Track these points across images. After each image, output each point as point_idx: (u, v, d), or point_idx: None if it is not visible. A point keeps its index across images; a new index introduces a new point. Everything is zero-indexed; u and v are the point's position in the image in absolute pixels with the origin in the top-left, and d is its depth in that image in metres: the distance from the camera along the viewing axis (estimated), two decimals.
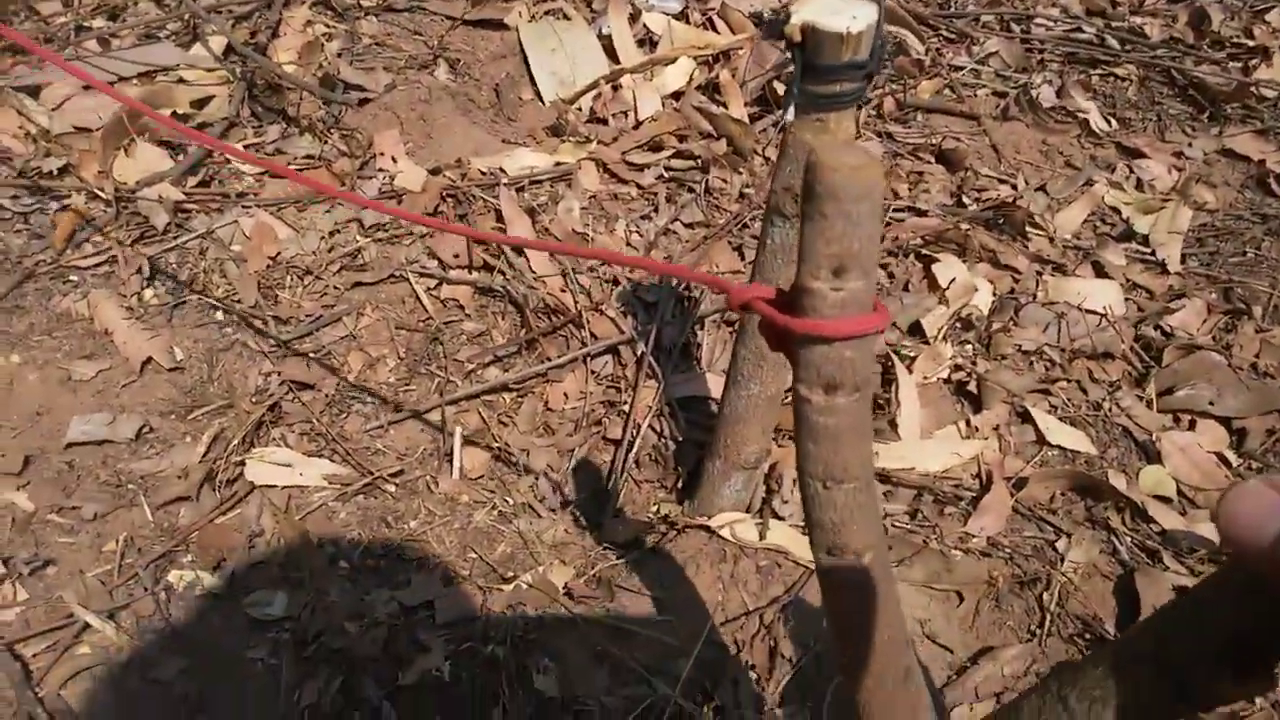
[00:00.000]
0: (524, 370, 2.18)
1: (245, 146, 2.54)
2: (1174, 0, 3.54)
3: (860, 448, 0.84)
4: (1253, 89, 3.09)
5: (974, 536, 1.94)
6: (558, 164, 2.62)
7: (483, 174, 2.54)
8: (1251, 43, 3.31)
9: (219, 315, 2.21)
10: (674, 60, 2.95)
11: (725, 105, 2.87)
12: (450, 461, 2.03)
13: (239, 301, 2.22)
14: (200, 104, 2.63)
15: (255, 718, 1.64)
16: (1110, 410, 2.19)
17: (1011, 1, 3.50)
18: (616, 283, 2.33)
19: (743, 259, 2.44)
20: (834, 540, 0.88)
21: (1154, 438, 2.12)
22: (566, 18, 3.03)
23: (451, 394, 2.11)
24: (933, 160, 2.86)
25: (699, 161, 2.69)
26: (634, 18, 3.05)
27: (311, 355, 2.16)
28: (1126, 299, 2.43)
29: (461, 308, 2.28)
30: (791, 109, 1.28)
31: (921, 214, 2.63)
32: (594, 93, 2.87)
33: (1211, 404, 2.16)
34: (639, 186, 2.62)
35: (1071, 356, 2.28)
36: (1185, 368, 2.23)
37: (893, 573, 0.95)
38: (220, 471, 1.94)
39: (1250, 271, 2.52)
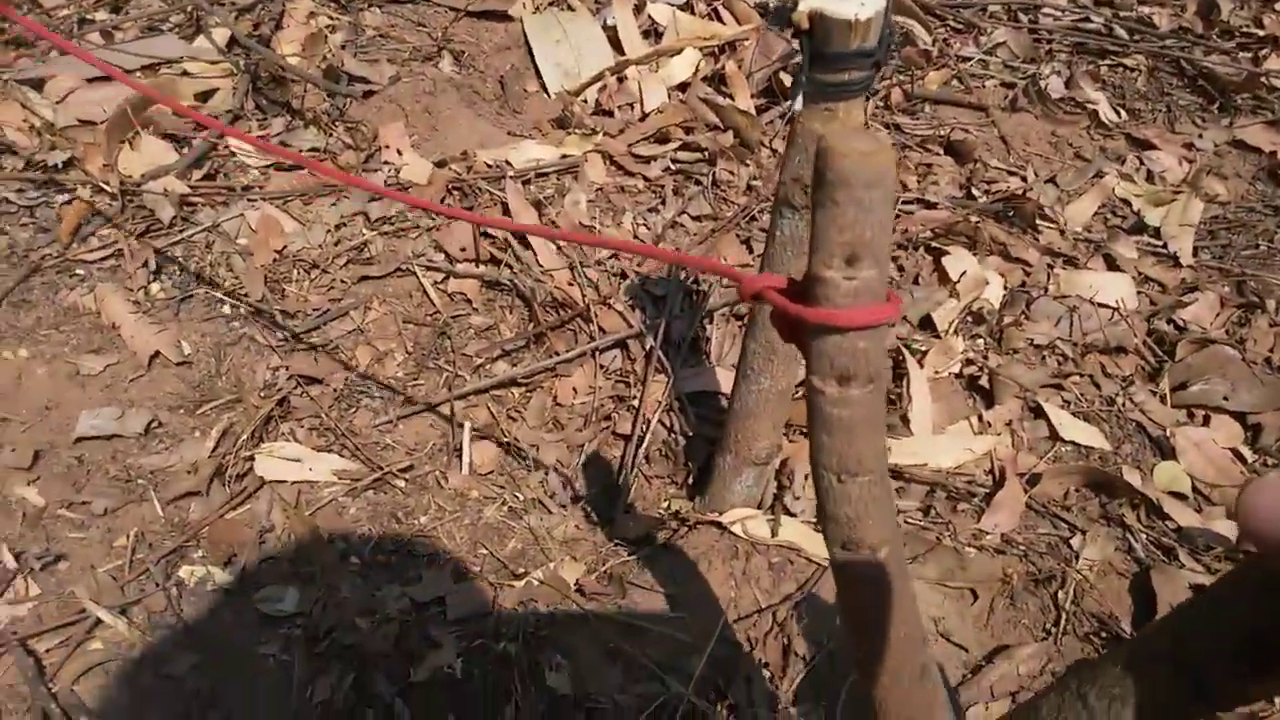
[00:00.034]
0: (532, 365, 2.17)
1: None
2: None
3: (874, 440, 0.83)
4: (1263, 79, 3.07)
5: (988, 533, 1.94)
6: (564, 156, 2.60)
7: (488, 166, 2.53)
8: (1261, 32, 3.29)
9: (226, 309, 2.19)
10: (680, 51, 2.94)
11: (731, 97, 2.85)
12: (460, 457, 2.02)
13: (246, 295, 2.20)
14: (204, 97, 2.62)
15: (267, 714, 1.64)
16: (1124, 405, 2.18)
17: None
18: (625, 276, 2.32)
19: (751, 252, 2.43)
20: (849, 535, 0.87)
21: (1168, 433, 2.12)
22: (571, 9, 3.01)
23: (460, 389, 2.10)
24: (941, 152, 2.84)
25: (706, 154, 2.67)
26: (639, 8, 3.03)
27: (319, 349, 2.14)
28: (1139, 292, 2.42)
29: (469, 301, 2.27)
30: (800, 98, 1.26)
31: (931, 206, 2.61)
32: (599, 84, 2.85)
33: (1226, 399, 2.15)
34: (645, 179, 2.61)
35: (1084, 351, 2.27)
36: (1199, 362, 2.22)
37: (908, 568, 0.94)
38: (230, 466, 1.93)
39: (1263, 264, 2.51)
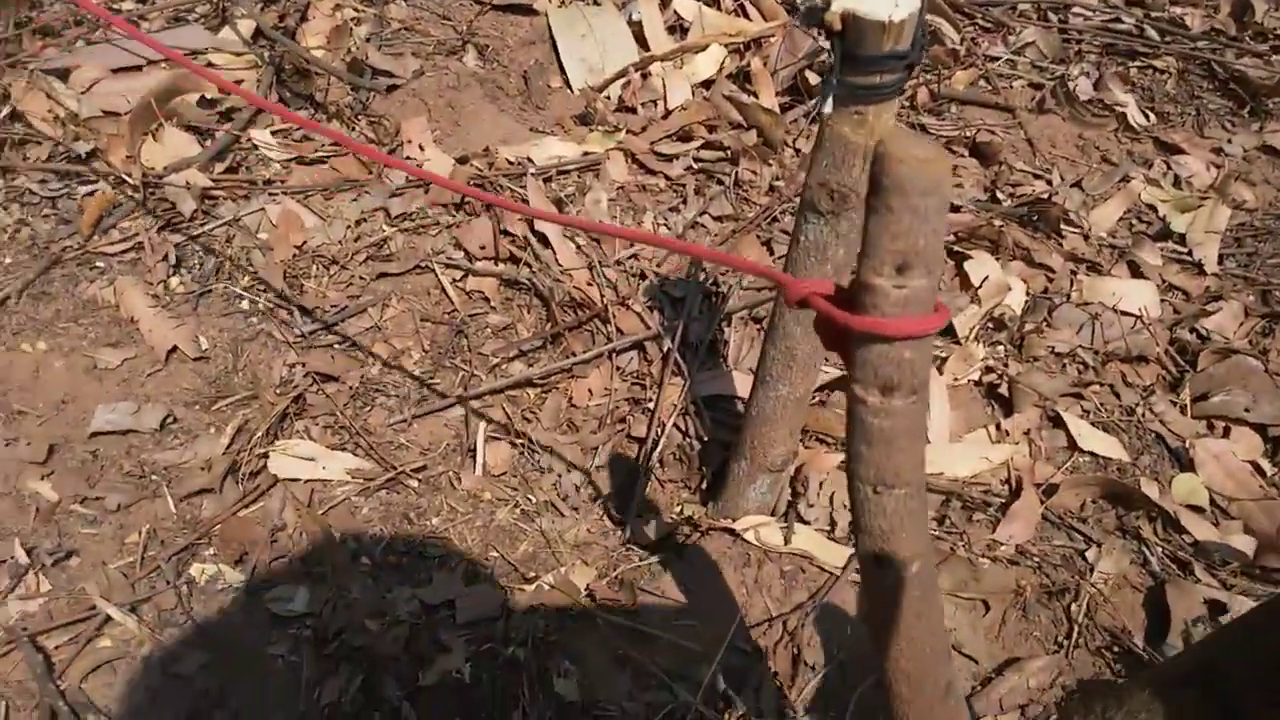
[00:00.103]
0: (549, 365, 2.16)
1: (273, 133, 2.52)
2: None
3: (914, 452, 0.83)
4: None
5: (1002, 544, 1.92)
6: (586, 154, 2.59)
7: (510, 163, 2.52)
8: None
9: (245, 304, 2.20)
10: (705, 48, 2.92)
11: (756, 94, 2.84)
12: (474, 457, 2.02)
13: (265, 291, 2.21)
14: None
15: (275, 715, 1.64)
16: (1144, 415, 2.16)
17: None
18: (644, 277, 2.31)
19: (771, 254, 2.41)
20: (882, 547, 0.87)
21: (1187, 445, 2.09)
22: (597, 3, 2.99)
23: (476, 388, 2.10)
24: (966, 153, 2.82)
25: (728, 152, 2.66)
26: (665, 3, 3.02)
27: (336, 347, 2.15)
28: (1162, 300, 2.39)
29: (487, 300, 2.27)
30: (829, 101, 1.24)
31: (954, 209, 2.59)
32: (623, 80, 2.84)
33: (1247, 410, 2.13)
34: (667, 178, 2.60)
35: (1105, 359, 2.25)
36: (1221, 373, 2.19)
37: (938, 583, 0.94)
38: (244, 464, 1.94)
39: None
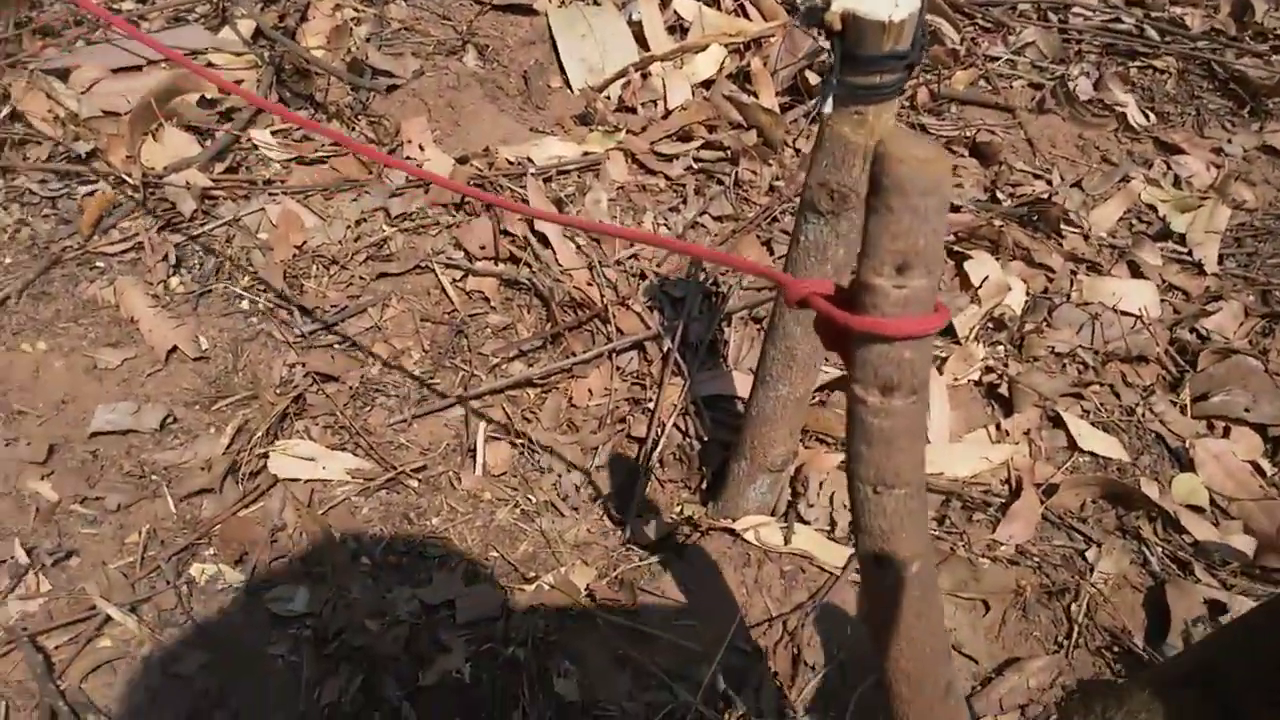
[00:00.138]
0: (549, 365, 2.16)
1: (273, 133, 2.52)
2: None
3: (914, 452, 0.83)
4: None
5: (1002, 544, 1.92)
6: (585, 154, 2.59)
7: (510, 163, 2.52)
8: None
9: (245, 304, 2.20)
10: (705, 47, 2.92)
11: (756, 94, 2.84)
12: (474, 457, 2.02)
13: (265, 291, 2.21)
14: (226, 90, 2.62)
15: (275, 715, 1.64)
16: (1144, 415, 2.16)
17: None
18: (644, 277, 2.31)
19: (771, 254, 2.41)
20: (881, 547, 0.87)
21: (1187, 445, 2.09)
22: (597, 3, 3.00)
23: (476, 388, 2.10)
24: (966, 153, 2.82)
25: (728, 152, 2.66)
26: (665, 3, 3.02)
27: (336, 347, 2.15)
28: (1162, 300, 2.39)
29: (487, 300, 2.27)
30: (829, 101, 1.24)
31: (954, 209, 2.59)
32: (623, 80, 2.84)
33: (1247, 410, 2.13)
34: (667, 177, 2.60)
35: (1105, 359, 2.25)
36: (1221, 373, 2.19)
37: (938, 582, 0.93)
38: (243, 464, 1.94)
39: None
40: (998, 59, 3.14)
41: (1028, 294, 2.37)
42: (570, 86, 2.84)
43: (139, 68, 2.58)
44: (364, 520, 1.90)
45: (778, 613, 1.80)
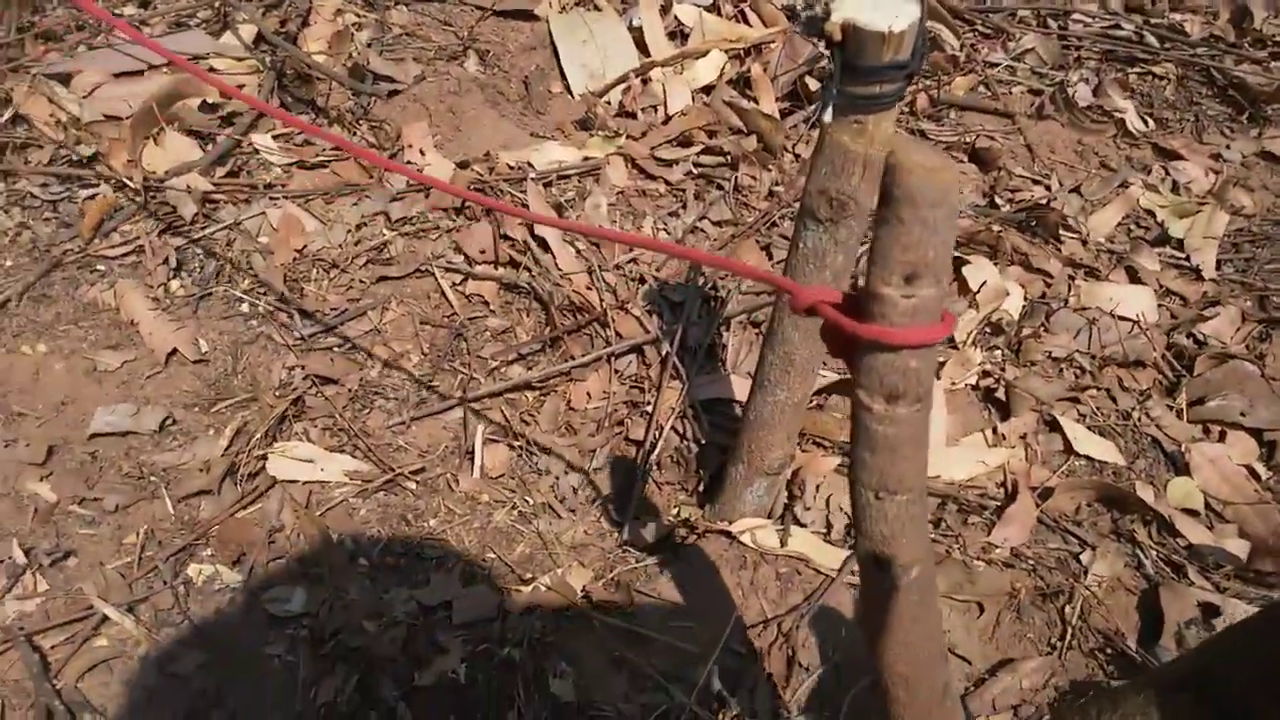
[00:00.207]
0: (547, 368, 2.17)
1: (274, 137, 2.53)
2: None
3: (917, 459, 0.83)
4: None
5: (997, 547, 1.93)
6: (586, 159, 2.60)
7: (510, 168, 2.53)
8: None
9: (245, 307, 2.21)
10: (705, 53, 2.93)
11: (756, 100, 2.84)
12: (471, 460, 2.02)
13: (265, 294, 2.22)
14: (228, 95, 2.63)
15: (272, 715, 1.65)
16: (1140, 420, 2.16)
17: None
18: (643, 281, 2.32)
19: (771, 259, 2.42)
20: (882, 552, 0.87)
21: (1183, 449, 2.10)
22: (597, 9, 3.01)
23: (475, 391, 2.11)
24: (965, 159, 2.83)
25: (728, 158, 2.67)
26: (665, 9, 3.03)
27: (336, 349, 2.15)
28: (1160, 305, 2.39)
29: (486, 304, 2.27)
30: (829, 110, 1.25)
31: None
32: (624, 86, 2.85)
33: (1243, 415, 2.13)
34: (667, 182, 2.60)
35: (1102, 364, 2.25)
36: (1217, 377, 2.20)
37: (937, 587, 0.94)
38: (242, 465, 1.95)
39: None
40: (997, 65, 3.15)
41: (1025, 299, 2.38)
42: (571, 92, 2.85)
43: (141, 72, 2.59)
44: (362, 521, 1.91)
45: (773, 614, 1.81)
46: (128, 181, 2.34)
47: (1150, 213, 2.67)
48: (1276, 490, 2.04)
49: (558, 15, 2.98)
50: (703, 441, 2.07)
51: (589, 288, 2.29)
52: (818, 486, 1.97)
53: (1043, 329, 2.32)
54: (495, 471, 2.02)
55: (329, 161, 2.50)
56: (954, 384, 2.20)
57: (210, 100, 2.57)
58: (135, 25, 2.75)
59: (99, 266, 2.23)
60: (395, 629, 1.74)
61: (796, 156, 2.72)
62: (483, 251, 2.34)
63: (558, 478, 2.02)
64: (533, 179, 2.49)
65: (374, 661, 1.70)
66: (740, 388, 2.11)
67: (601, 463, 2.05)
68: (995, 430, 2.13)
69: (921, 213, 0.68)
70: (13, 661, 1.65)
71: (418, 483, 1.98)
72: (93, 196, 2.34)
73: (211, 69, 2.66)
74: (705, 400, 2.13)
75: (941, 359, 2.23)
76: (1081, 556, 1.92)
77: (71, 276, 2.21)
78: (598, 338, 2.22)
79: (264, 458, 1.96)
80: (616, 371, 2.18)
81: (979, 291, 2.33)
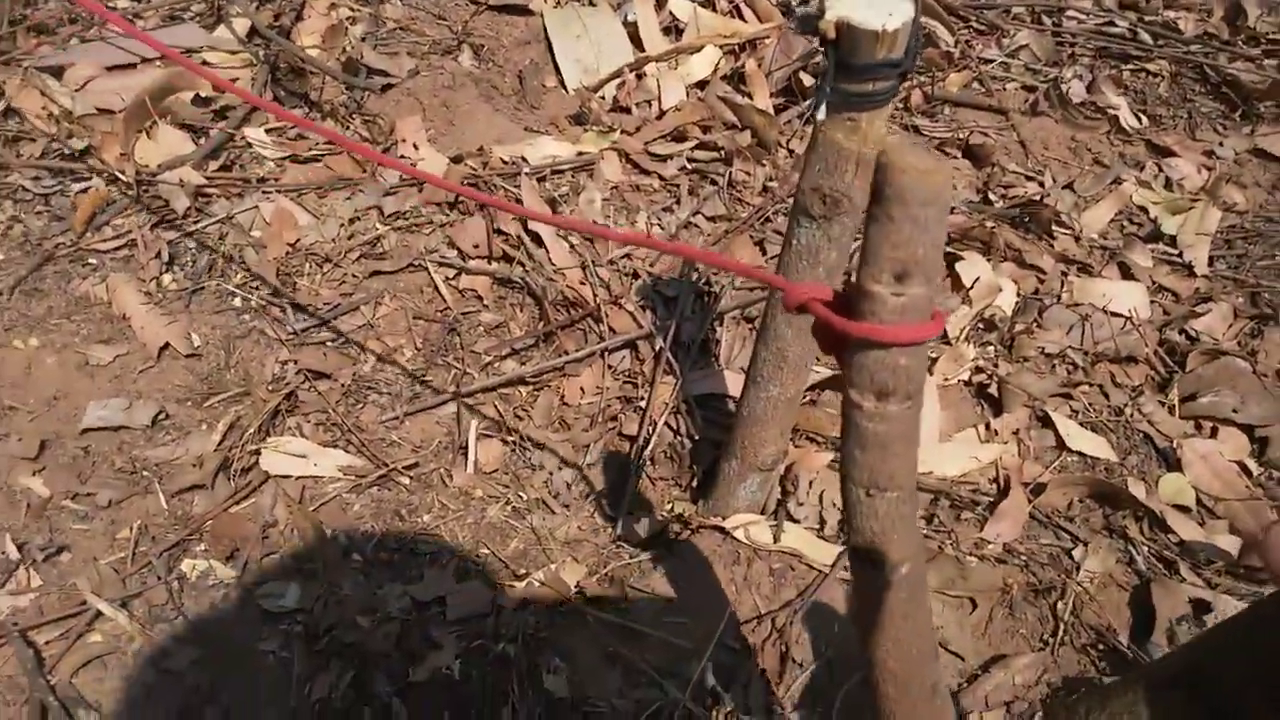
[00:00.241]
0: (541, 363, 2.17)
1: (267, 131, 2.53)
2: None
3: (908, 457, 0.84)
4: None
5: (990, 543, 1.93)
6: (580, 153, 2.60)
7: (504, 162, 2.53)
8: None
9: (237, 301, 2.20)
10: (700, 48, 2.93)
11: (750, 96, 2.84)
12: (465, 455, 2.02)
13: (258, 288, 2.21)
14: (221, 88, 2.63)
15: (266, 711, 1.65)
16: (1132, 416, 2.16)
17: None
18: (636, 276, 2.32)
19: (764, 254, 2.42)
20: (873, 549, 0.88)
21: (1175, 445, 2.10)
22: (592, 3, 3.00)
23: (468, 386, 2.11)
24: (959, 155, 2.83)
25: (722, 153, 2.67)
26: (660, 4, 3.02)
27: (329, 344, 2.15)
28: (1152, 301, 2.40)
29: (480, 298, 2.27)
30: (823, 108, 1.25)
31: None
32: (618, 81, 2.84)
33: (1235, 411, 2.14)
34: (661, 178, 2.60)
35: (1094, 360, 2.26)
36: (1209, 374, 2.20)
37: (927, 584, 0.94)
38: (235, 460, 1.94)
39: (1279, 276, 2.48)
40: (991, 61, 3.15)
41: (1018, 295, 2.38)
42: (565, 86, 2.85)
43: (133, 65, 2.58)
44: (355, 517, 1.91)
45: (767, 610, 1.81)
46: (120, 175, 2.33)
47: (1143, 209, 2.68)
48: (1268, 486, 2.05)
49: (552, 10, 2.97)
50: (696, 437, 2.07)
51: (583, 283, 2.29)
52: (811, 482, 1.98)
53: (1035, 325, 2.32)
54: (489, 467, 2.02)
55: (322, 156, 2.50)
56: (947, 380, 2.20)
57: (203, 94, 2.57)
58: (128, 18, 2.74)
59: (91, 260, 2.23)
60: (389, 625, 1.74)
61: (791, 152, 2.72)
62: (476, 246, 2.34)
63: (551, 473, 2.03)
64: (527, 174, 2.48)
65: (368, 657, 1.70)
66: (734, 382, 2.12)
67: (595, 458, 2.06)
68: (988, 426, 2.13)
69: (912, 211, 0.69)
70: (6, 657, 1.65)
71: (411, 478, 1.98)
72: (85, 190, 2.33)
73: (205, 62, 2.65)
74: (699, 396, 2.13)
75: (934, 355, 2.23)
76: (1073, 552, 1.93)
77: (63, 270, 2.20)
78: (591, 333, 2.22)
79: (257, 453, 1.96)
80: (610, 367, 2.18)
81: (972, 287, 2.33)
